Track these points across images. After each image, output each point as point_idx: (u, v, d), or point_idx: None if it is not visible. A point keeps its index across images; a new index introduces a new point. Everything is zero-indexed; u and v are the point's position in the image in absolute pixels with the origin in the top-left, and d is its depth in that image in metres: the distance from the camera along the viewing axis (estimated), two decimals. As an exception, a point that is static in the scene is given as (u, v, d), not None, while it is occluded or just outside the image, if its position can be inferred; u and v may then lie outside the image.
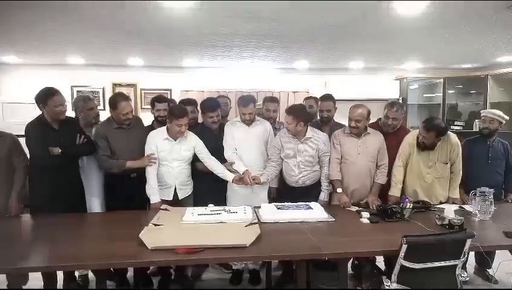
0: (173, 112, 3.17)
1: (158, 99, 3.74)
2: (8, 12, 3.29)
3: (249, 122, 3.45)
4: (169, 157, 3.23)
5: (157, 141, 3.21)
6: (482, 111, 3.71)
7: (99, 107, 6.21)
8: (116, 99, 3.25)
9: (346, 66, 6.55)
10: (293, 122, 3.19)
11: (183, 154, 3.27)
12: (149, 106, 4.00)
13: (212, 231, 2.52)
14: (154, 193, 3.18)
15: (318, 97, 4.12)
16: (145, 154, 3.22)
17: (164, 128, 3.28)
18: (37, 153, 3.03)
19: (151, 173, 3.19)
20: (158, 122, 3.65)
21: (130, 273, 3.40)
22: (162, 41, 4.58)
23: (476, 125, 6.38)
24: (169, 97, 6.02)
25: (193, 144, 3.30)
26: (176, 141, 3.23)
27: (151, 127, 3.60)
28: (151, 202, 3.17)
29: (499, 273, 3.26)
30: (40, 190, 3.07)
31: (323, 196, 3.35)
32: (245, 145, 3.46)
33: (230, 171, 3.34)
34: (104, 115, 3.68)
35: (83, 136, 3.18)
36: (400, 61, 6.23)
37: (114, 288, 3.40)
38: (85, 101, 3.51)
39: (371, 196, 3.29)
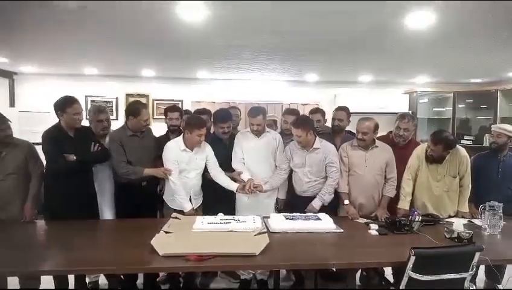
0: (195, 122, 3.22)
1: (170, 108, 3.86)
2: (25, 23, 3.42)
3: (258, 133, 3.51)
4: (187, 168, 3.28)
5: (176, 152, 3.24)
6: (492, 126, 3.71)
7: (112, 117, 6.40)
8: (139, 106, 3.42)
9: (355, 80, 6.61)
10: (303, 134, 3.22)
11: (199, 163, 3.33)
12: (162, 116, 4.10)
13: (221, 239, 2.55)
14: (186, 202, 3.22)
15: (324, 110, 4.09)
16: (165, 166, 3.25)
17: (180, 139, 3.31)
18: (52, 160, 3.11)
19: (177, 184, 3.22)
20: (170, 131, 3.76)
21: (140, 280, 3.44)
22: (175, 53, 4.68)
23: (486, 140, 6.36)
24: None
25: (207, 152, 3.36)
26: (192, 151, 3.28)
27: (167, 137, 3.67)
28: (186, 210, 3.19)
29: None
30: (55, 196, 3.14)
31: (316, 203, 3.29)
32: (254, 155, 3.51)
33: (238, 181, 3.39)
34: (116, 124, 3.76)
35: (97, 144, 3.26)
36: (410, 75, 6.27)
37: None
38: (95, 113, 3.56)
39: (380, 209, 3.30)
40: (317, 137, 3.37)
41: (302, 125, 3.23)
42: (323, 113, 4.01)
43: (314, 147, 3.31)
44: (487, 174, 3.49)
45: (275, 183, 3.43)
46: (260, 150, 3.52)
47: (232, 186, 3.35)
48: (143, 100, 6.57)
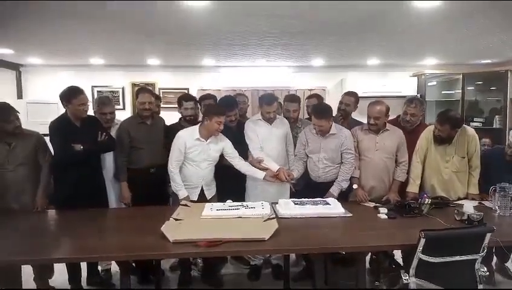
0: (214, 110, 3.21)
1: (185, 98, 3.77)
2: (31, 15, 3.41)
3: (271, 119, 3.47)
4: (199, 158, 3.23)
5: (187, 141, 3.20)
6: (511, 133, 3.32)
7: (119, 107, 6.42)
8: (139, 89, 3.65)
9: (363, 63, 6.53)
10: (326, 123, 3.23)
11: (213, 154, 3.28)
12: (168, 105, 4.09)
13: (231, 225, 2.56)
14: (181, 189, 3.20)
15: (322, 96, 4.23)
16: (171, 152, 3.21)
17: (195, 128, 3.26)
18: (60, 150, 3.13)
19: (175, 172, 3.20)
20: (186, 121, 3.67)
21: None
22: (180, 41, 4.66)
23: (497, 122, 6.27)
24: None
25: (222, 144, 3.30)
26: (206, 141, 3.23)
27: (179, 125, 3.62)
28: (180, 197, 3.18)
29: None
30: (63, 186, 3.17)
31: (334, 190, 3.30)
32: (268, 143, 3.48)
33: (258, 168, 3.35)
34: (123, 114, 3.77)
35: (104, 133, 3.27)
36: (418, 58, 6.18)
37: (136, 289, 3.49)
38: (99, 105, 3.55)
39: (391, 193, 3.30)
40: (333, 123, 3.35)
41: (326, 117, 3.23)
42: (319, 97, 4.15)
43: (330, 132, 3.31)
44: (496, 179, 3.09)
45: (300, 170, 3.42)
46: (273, 137, 3.50)
47: (258, 174, 3.29)
48: (149, 89, 6.58)
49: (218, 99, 3.93)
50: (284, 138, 3.56)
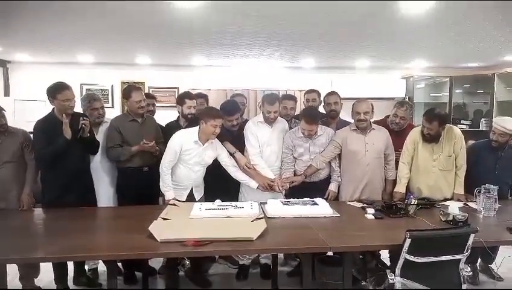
0: (210, 113, 3.16)
1: (189, 96, 3.68)
2: (19, 11, 3.37)
3: (272, 120, 3.46)
4: (192, 161, 3.22)
5: (184, 143, 3.17)
6: (494, 120, 3.46)
7: (108, 105, 6.36)
8: (130, 88, 3.46)
9: (352, 65, 6.58)
10: (315, 127, 3.32)
11: (206, 160, 3.26)
12: (157, 104, 4.06)
13: (219, 225, 2.57)
14: (169, 190, 3.18)
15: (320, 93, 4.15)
16: (166, 152, 3.18)
17: (195, 130, 3.22)
18: (39, 149, 3.06)
19: (166, 172, 3.18)
20: (187, 119, 3.61)
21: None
22: (170, 40, 4.63)
23: (483, 124, 6.37)
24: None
25: (218, 152, 3.29)
26: (203, 145, 3.20)
27: (177, 124, 3.61)
28: (166, 198, 3.17)
29: (502, 270, 3.26)
30: (50, 184, 3.13)
31: (334, 187, 3.46)
32: (268, 145, 3.49)
33: (249, 172, 3.36)
34: (112, 112, 3.72)
35: (84, 123, 3.09)
36: (407, 60, 6.24)
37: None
38: (90, 101, 3.48)
39: (387, 194, 3.44)
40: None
41: (317, 121, 3.33)
42: (318, 93, 4.13)
43: (318, 134, 3.39)
44: (483, 169, 3.36)
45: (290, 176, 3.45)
46: (274, 139, 3.51)
47: (252, 184, 3.32)
48: (139, 88, 6.53)
49: (208, 98, 3.93)
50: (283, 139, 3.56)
